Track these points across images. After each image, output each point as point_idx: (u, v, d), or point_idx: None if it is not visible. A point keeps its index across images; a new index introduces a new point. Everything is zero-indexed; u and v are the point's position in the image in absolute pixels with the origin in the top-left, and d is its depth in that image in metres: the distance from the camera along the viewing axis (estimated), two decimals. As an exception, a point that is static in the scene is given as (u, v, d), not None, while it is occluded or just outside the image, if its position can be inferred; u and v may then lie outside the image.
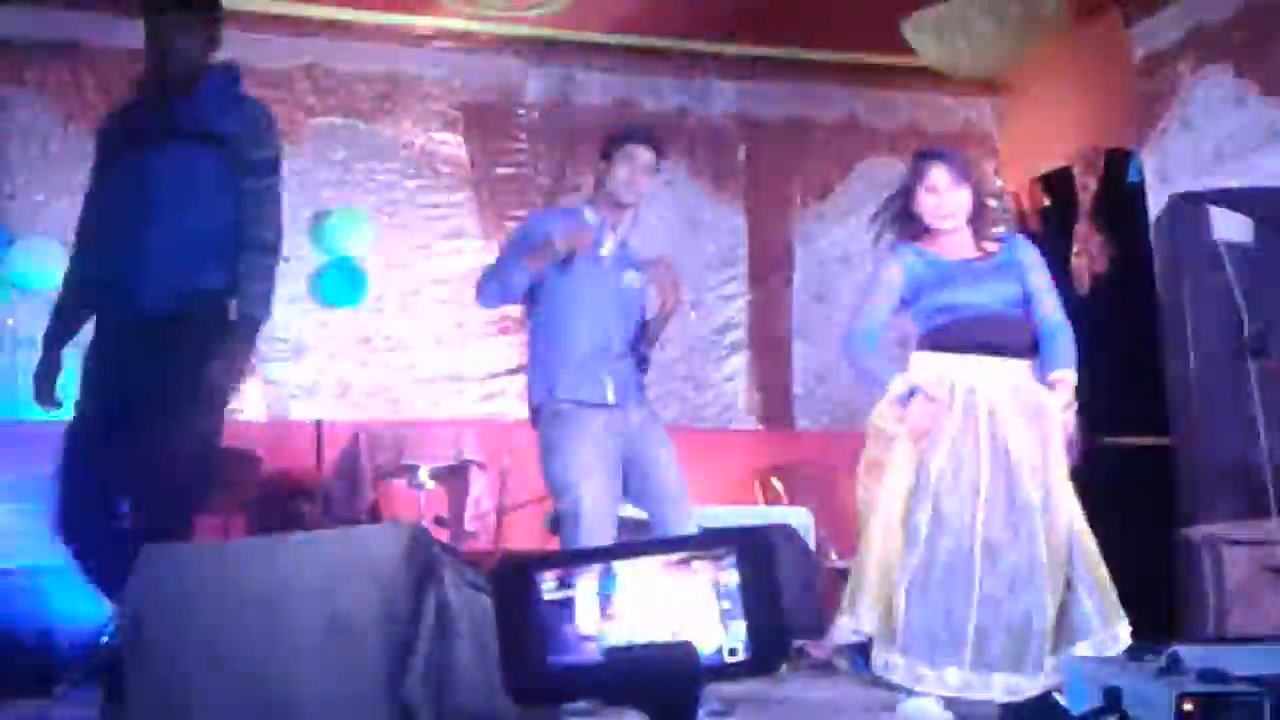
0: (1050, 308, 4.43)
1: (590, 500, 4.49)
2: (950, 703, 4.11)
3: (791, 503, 7.48)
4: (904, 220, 4.52)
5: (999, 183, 8.85)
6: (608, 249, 4.86)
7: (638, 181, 4.84)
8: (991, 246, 4.50)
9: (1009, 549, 4.11)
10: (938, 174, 4.42)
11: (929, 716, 4.08)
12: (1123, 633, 4.10)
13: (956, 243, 4.47)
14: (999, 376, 4.29)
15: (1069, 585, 4.14)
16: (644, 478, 4.71)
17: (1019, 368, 4.34)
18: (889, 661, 4.13)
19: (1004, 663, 4.04)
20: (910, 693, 4.12)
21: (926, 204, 4.44)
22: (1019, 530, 4.13)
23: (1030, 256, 4.49)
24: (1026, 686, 3.97)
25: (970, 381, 4.28)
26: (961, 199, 4.43)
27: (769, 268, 8.79)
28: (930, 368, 4.34)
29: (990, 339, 4.32)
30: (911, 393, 4.25)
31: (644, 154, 4.84)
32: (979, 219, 4.49)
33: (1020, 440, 4.21)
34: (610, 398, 4.71)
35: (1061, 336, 4.38)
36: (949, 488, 4.18)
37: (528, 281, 4.76)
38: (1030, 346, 4.39)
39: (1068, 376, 4.32)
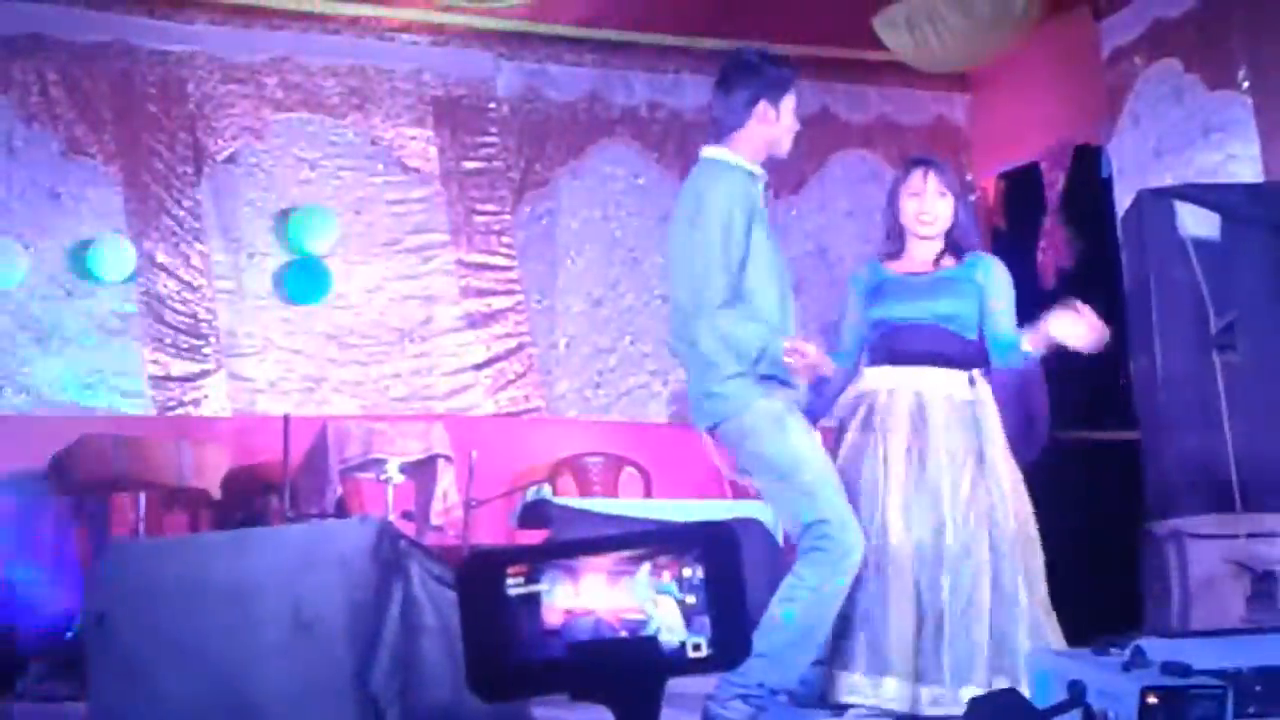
0: (1009, 325, 4.34)
1: None
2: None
3: (759, 498, 7.47)
4: (890, 236, 4.51)
5: (969, 178, 8.88)
6: None
7: None
8: (949, 261, 4.41)
9: (921, 557, 4.10)
10: (922, 178, 4.40)
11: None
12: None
13: (919, 258, 4.43)
14: (928, 384, 4.25)
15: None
16: None
17: (952, 377, 4.27)
18: (835, 680, 4.14)
19: (932, 674, 4.04)
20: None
21: (907, 208, 4.40)
22: (932, 539, 4.11)
23: (993, 279, 4.38)
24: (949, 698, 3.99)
25: (890, 392, 4.27)
26: (944, 209, 4.38)
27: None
28: (869, 379, 4.36)
29: (914, 348, 4.28)
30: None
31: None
32: (956, 232, 4.42)
33: (942, 446, 4.18)
34: None
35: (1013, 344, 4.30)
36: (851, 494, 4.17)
37: None
38: (966, 360, 4.31)
39: (1029, 329, 4.24)
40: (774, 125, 4.20)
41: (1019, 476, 4.28)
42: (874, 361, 4.40)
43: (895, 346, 4.33)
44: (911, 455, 4.19)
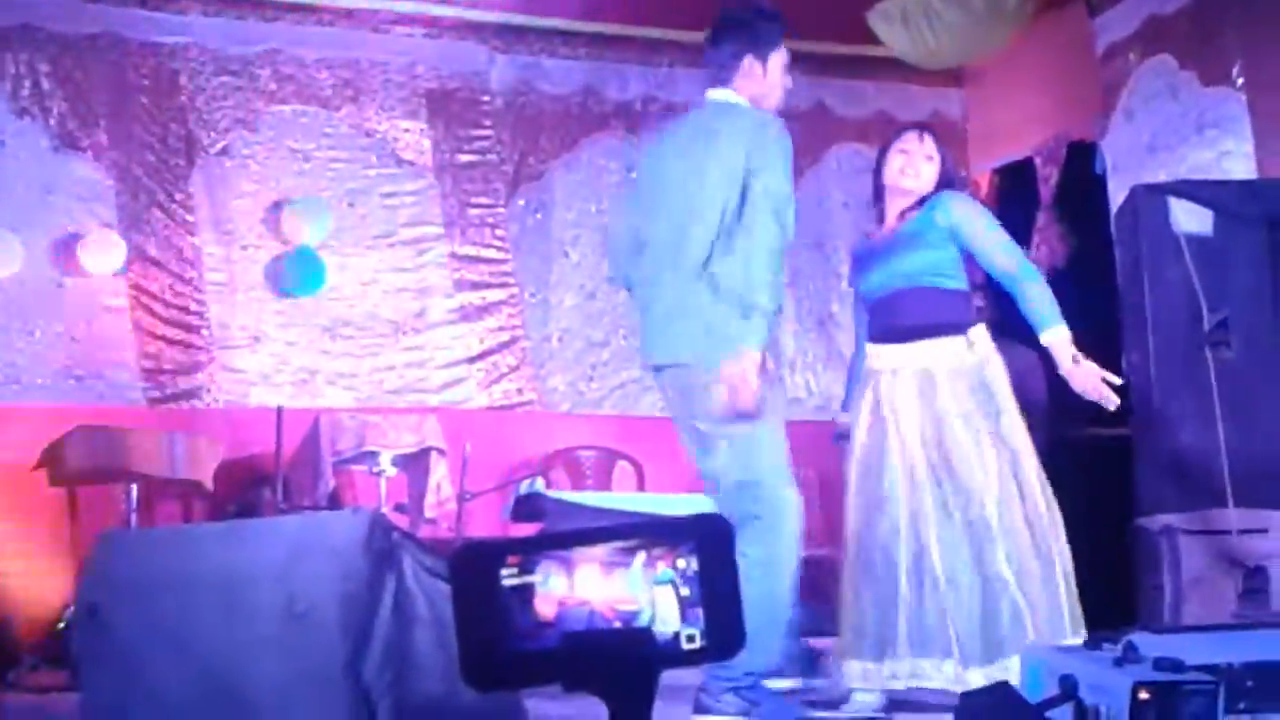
0: (1004, 263, 4.23)
1: None
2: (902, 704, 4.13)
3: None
4: (875, 199, 4.51)
5: (963, 173, 8.88)
6: None
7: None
8: (911, 214, 4.36)
9: (943, 539, 4.07)
10: (915, 137, 4.41)
11: (869, 710, 4.09)
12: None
13: (892, 219, 4.42)
14: (928, 360, 4.20)
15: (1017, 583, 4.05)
16: None
17: (950, 344, 4.20)
18: (842, 669, 4.14)
19: (944, 650, 4.01)
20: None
21: (894, 163, 4.39)
22: (950, 517, 4.08)
23: (956, 214, 4.28)
24: (969, 677, 3.97)
25: (894, 373, 4.25)
26: (928, 171, 4.37)
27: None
28: (871, 358, 4.35)
29: (903, 322, 4.25)
30: (843, 437, 4.34)
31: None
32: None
33: (958, 419, 4.13)
34: None
35: (1030, 291, 4.19)
36: (861, 487, 4.21)
37: None
38: (957, 319, 4.24)
39: (1058, 336, 4.15)
40: (760, 81, 4.20)
41: (1028, 436, 4.21)
42: (873, 338, 4.38)
43: (886, 322, 4.30)
44: (929, 438, 4.15)
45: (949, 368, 4.19)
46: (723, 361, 3.92)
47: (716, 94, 4.20)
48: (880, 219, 4.47)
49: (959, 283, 4.29)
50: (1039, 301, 4.20)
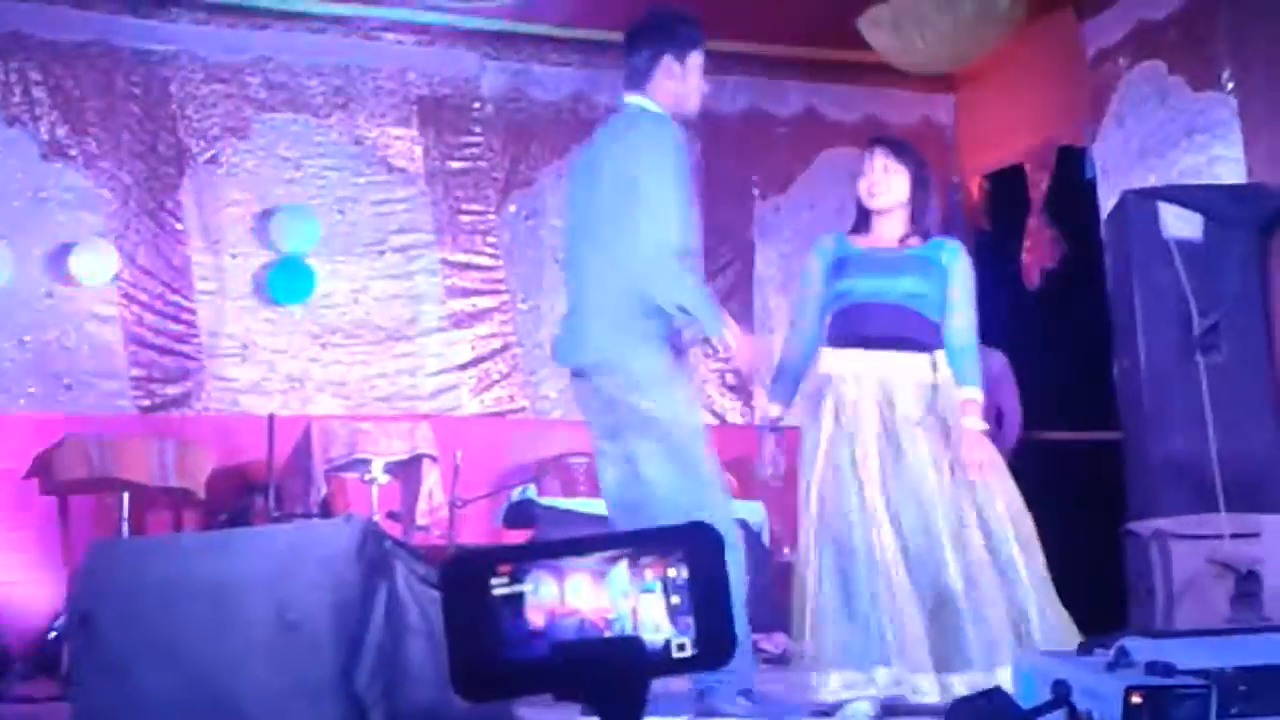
0: (961, 323, 4.30)
1: None
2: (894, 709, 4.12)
3: (744, 497, 7.46)
4: (857, 219, 4.53)
5: (954, 179, 8.89)
6: None
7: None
8: (914, 241, 4.37)
9: (914, 546, 4.07)
10: (868, 156, 4.43)
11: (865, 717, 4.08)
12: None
13: (883, 235, 4.40)
14: (892, 371, 4.22)
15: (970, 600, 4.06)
16: None
17: (915, 361, 4.24)
18: (823, 681, 4.12)
19: (928, 662, 3.99)
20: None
21: (861, 187, 4.43)
22: (922, 526, 4.08)
23: (957, 265, 4.34)
24: (956, 684, 3.96)
25: (856, 379, 4.23)
26: (895, 183, 4.37)
27: (728, 261, 8.79)
28: (830, 362, 4.32)
29: (878, 331, 4.25)
30: (773, 428, 4.36)
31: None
32: (917, 208, 4.39)
33: (917, 433, 4.15)
34: None
35: (967, 357, 4.28)
36: (831, 492, 4.18)
37: None
38: (929, 342, 4.27)
39: (977, 395, 4.24)
40: (679, 81, 4.28)
41: (995, 451, 4.25)
42: (835, 342, 4.35)
43: (860, 329, 4.29)
44: (886, 446, 4.16)
45: (910, 381, 4.23)
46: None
47: (632, 99, 4.29)
48: (859, 229, 4.47)
49: (939, 318, 4.32)
50: (971, 366, 4.29)
